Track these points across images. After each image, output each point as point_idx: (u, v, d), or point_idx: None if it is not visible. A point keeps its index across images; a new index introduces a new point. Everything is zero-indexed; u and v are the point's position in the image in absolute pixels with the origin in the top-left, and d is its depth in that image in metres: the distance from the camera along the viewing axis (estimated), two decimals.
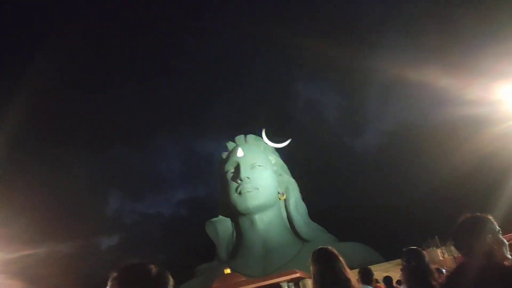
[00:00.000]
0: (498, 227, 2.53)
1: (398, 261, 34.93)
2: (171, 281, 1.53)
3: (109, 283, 1.48)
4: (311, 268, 2.90)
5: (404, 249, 3.84)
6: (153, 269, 1.48)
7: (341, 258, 2.87)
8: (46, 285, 40.15)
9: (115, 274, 1.48)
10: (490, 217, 2.58)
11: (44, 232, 53.18)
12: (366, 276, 5.41)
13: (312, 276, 2.85)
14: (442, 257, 32.14)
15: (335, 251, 2.93)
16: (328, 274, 2.73)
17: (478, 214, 2.52)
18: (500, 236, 2.49)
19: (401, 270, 4.11)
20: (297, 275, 32.84)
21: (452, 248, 32.29)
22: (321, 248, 2.97)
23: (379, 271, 32.83)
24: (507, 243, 2.52)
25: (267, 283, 33.77)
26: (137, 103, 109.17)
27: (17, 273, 32.69)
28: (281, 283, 32.16)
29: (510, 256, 2.50)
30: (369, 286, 5.50)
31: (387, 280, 8.92)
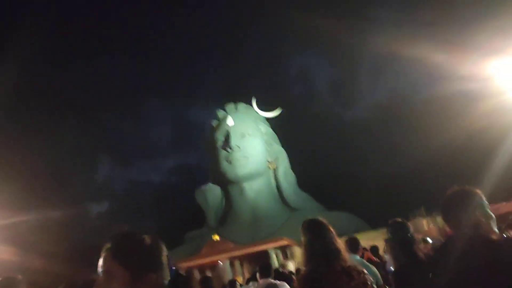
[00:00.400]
0: (486, 201, 2.58)
1: (384, 229, 35.74)
2: (164, 251, 1.54)
3: (102, 253, 1.48)
4: (301, 238, 2.94)
5: (389, 221, 3.91)
6: (147, 238, 1.48)
7: (331, 229, 2.91)
8: (38, 251, 40.52)
9: (108, 244, 1.48)
10: (479, 191, 2.62)
11: (33, 199, 53.08)
12: (353, 246, 5.53)
13: (302, 246, 2.90)
14: (427, 227, 32.84)
15: (326, 222, 2.97)
16: (318, 244, 2.77)
17: (467, 187, 2.56)
18: (488, 210, 2.54)
19: (386, 241, 4.20)
20: (285, 242, 33.51)
21: (438, 218, 32.99)
22: (312, 218, 3.01)
23: (365, 240, 33.39)
24: (494, 217, 2.57)
25: (255, 250, 34.46)
26: (128, 69, 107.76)
27: (7, 240, 32.82)
28: (268, 250, 32.84)
29: (497, 230, 2.56)
30: (356, 255, 5.61)
31: (374, 249, 9.11)
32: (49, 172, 70.22)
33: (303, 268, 7.59)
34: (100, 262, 1.45)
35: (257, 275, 5.35)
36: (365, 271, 2.78)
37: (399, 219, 3.89)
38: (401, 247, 3.54)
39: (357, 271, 2.70)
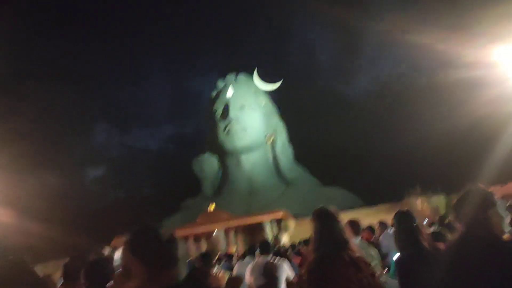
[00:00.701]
0: (498, 201, 2.58)
1: (379, 206, 36.17)
2: (181, 246, 1.57)
3: (122, 247, 1.52)
4: (312, 225, 2.96)
5: (396, 213, 3.93)
6: (164, 234, 1.52)
7: (340, 219, 2.93)
8: (35, 215, 41.02)
9: (127, 239, 1.52)
10: (492, 191, 2.63)
11: (30, 163, 53.35)
12: (355, 228, 5.57)
13: (312, 233, 2.92)
14: (421, 207, 33.18)
15: (335, 212, 2.98)
16: (326, 233, 2.79)
17: (481, 186, 2.56)
18: (500, 210, 2.56)
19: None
20: (280, 215, 33.87)
21: (432, 198, 33.38)
22: (322, 207, 3.01)
23: (360, 216, 33.84)
24: (505, 217, 2.58)
25: (250, 221, 34.85)
26: (128, 37, 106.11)
27: (4, 203, 33.17)
28: (263, 222, 33.21)
29: (507, 230, 2.58)
30: (358, 237, 5.68)
31: (370, 229, 9.23)
32: (47, 137, 70.19)
33: (300, 244, 7.69)
34: (119, 255, 1.48)
35: (256, 251, 5.40)
36: (372, 263, 2.81)
37: (405, 210, 3.91)
38: (406, 237, 3.57)
39: (365, 263, 2.73)
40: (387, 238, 7.88)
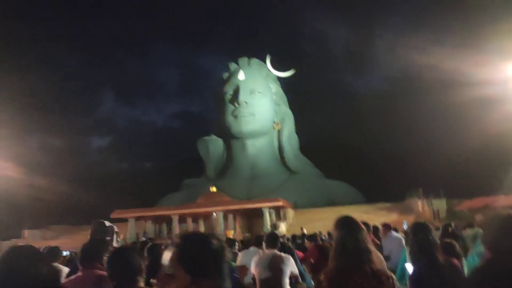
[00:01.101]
0: None
1: (379, 204, 36.27)
2: (228, 255, 1.60)
3: (170, 250, 1.56)
4: (333, 232, 2.95)
5: (413, 223, 3.92)
6: (213, 244, 1.55)
7: (364, 228, 2.91)
8: (42, 171, 41.94)
9: (177, 242, 1.56)
10: None
11: (36, 122, 53.84)
12: (366, 228, 5.55)
13: (333, 241, 2.91)
14: (421, 209, 33.24)
15: (359, 221, 2.96)
16: (349, 242, 2.77)
17: (510, 212, 2.55)
18: None
19: (408, 243, 4.22)
20: (280, 203, 33.98)
21: (433, 201, 33.42)
22: (345, 215, 3.00)
23: (360, 212, 34.03)
24: None
25: (250, 207, 35.03)
26: (142, 9, 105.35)
27: (13, 158, 33.79)
28: (263, 209, 33.34)
29: None
30: None
31: (375, 230, 9.21)
32: (54, 99, 70.48)
33: (311, 241, 7.73)
34: (167, 257, 1.53)
35: (263, 244, 5.39)
36: (394, 276, 2.80)
37: (422, 221, 3.90)
38: (421, 249, 3.56)
39: (386, 276, 2.71)
40: (390, 240, 7.90)
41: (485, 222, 2.68)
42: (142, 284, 2.61)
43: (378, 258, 2.98)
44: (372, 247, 2.85)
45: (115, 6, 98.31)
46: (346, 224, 2.89)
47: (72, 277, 3.10)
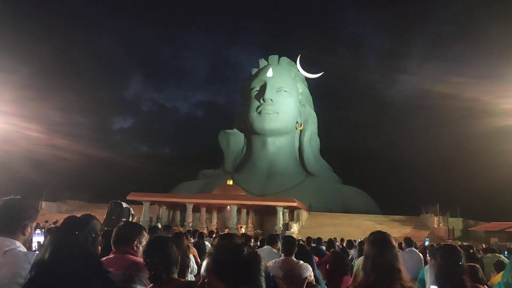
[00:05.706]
0: None
1: (394, 216, 35.92)
2: (263, 265, 1.64)
3: (206, 259, 1.63)
4: (364, 247, 2.96)
5: (440, 244, 3.88)
6: (246, 254, 1.61)
7: (395, 245, 2.91)
8: (62, 131, 43.56)
9: (211, 253, 1.63)
10: None
11: (62, 100, 54.91)
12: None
13: (364, 256, 2.91)
14: (437, 225, 32.79)
15: (392, 238, 2.96)
16: (380, 259, 2.77)
17: None
18: None
19: (434, 266, 4.16)
20: (295, 204, 33.87)
21: (449, 219, 32.95)
22: (379, 231, 2.99)
23: (373, 222, 33.83)
24: None
25: (265, 204, 35.05)
26: None
27: (32, 118, 34.71)
28: (277, 207, 33.31)
29: None
30: None
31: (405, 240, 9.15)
32: (85, 77, 71.67)
33: (329, 246, 7.74)
34: (204, 265, 1.60)
35: (281, 248, 5.37)
36: None
37: (451, 244, 3.85)
38: (450, 275, 3.52)
39: None
40: (410, 255, 7.84)
41: None
42: (176, 275, 2.66)
43: (407, 276, 2.97)
44: (402, 266, 2.85)
45: None
46: (378, 240, 2.89)
47: (103, 258, 3.10)
